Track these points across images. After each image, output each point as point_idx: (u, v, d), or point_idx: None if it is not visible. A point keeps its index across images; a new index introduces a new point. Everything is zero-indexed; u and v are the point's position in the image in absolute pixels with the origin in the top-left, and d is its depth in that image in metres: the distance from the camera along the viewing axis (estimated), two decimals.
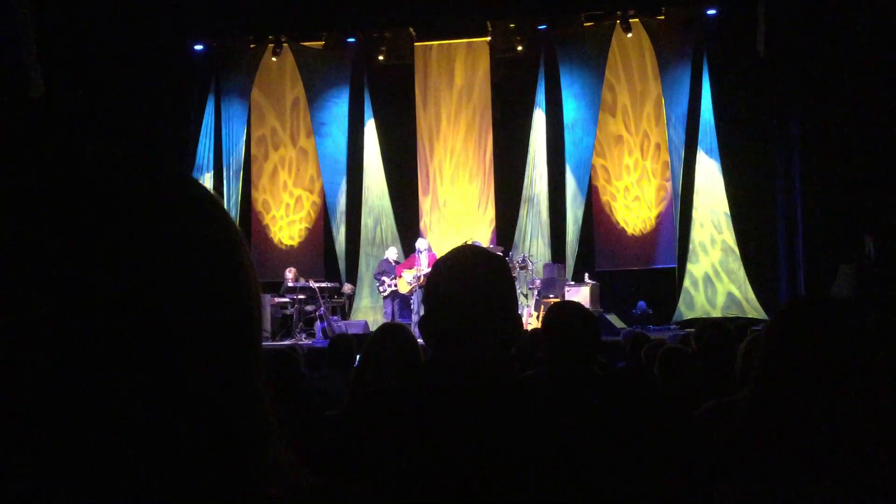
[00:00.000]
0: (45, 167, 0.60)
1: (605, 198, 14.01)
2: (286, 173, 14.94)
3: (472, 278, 1.51)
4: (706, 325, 4.14)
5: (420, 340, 2.57)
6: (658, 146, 13.79)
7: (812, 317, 1.43)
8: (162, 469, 0.58)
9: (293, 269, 12.78)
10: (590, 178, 13.75)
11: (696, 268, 13.10)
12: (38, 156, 0.60)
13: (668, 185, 13.55)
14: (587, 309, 3.02)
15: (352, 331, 11.05)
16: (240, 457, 0.62)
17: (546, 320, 2.86)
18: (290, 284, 12.42)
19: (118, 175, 0.61)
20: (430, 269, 11.52)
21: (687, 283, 13.03)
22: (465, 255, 1.58)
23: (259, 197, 14.96)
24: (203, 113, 14.33)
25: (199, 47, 14.21)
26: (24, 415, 0.55)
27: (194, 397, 0.60)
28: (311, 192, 14.93)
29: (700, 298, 12.86)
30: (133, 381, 0.57)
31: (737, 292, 12.72)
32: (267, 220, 14.94)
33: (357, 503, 0.66)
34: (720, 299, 12.80)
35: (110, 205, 0.59)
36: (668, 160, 13.44)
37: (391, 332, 3.13)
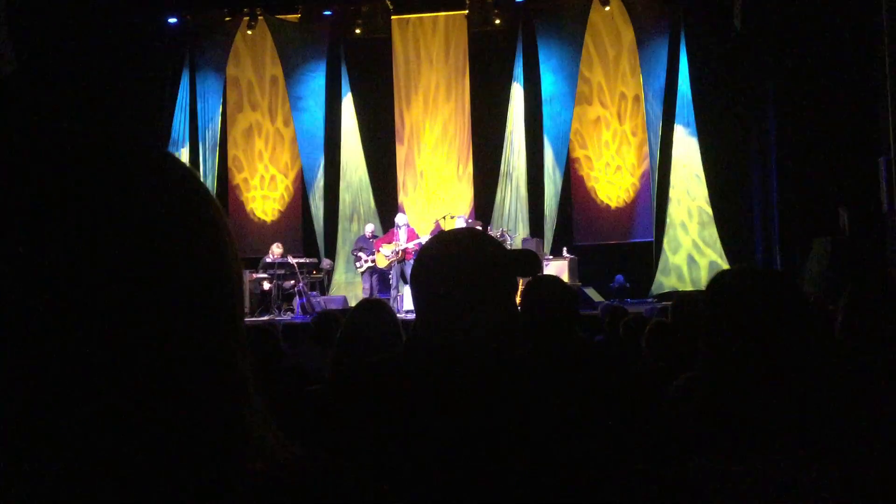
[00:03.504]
0: (21, 146, 0.59)
1: (589, 184, 14.02)
2: (262, 142, 14.79)
3: (459, 264, 1.49)
4: (682, 298, 4.16)
5: (400, 315, 2.58)
6: (636, 98, 13.75)
7: (736, 290, 1.44)
8: (142, 445, 0.58)
9: (280, 245, 12.71)
10: (573, 167, 13.82)
11: (678, 256, 13.09)
12: (12, 134, 0.60)
13: (647, 135, 13.58)
14: (565, 283, 3.04)
15: (330, 306, 11.05)
16: (221, 432, 0.63)
17: (525, 294, 2.87)
18: (269, 260, 12.37)
19: (93, 151, 0.61)
20: (410, 244, 11.55)
21: (673, 279, 12.99)
22: (456, 242, 1.56)
23: (231, 152, 14.74)
24: (178, 87, 14.16)
25: (172, 20, 14.01)
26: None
27: (175, 373, 0.60)
28: (286, 176, 14.84)
29: (686, 288, 12.73)
30: (113, 358, 0.57)
31: (719, 260, 12.79)
32: (238, 179, 14.72)
33: (343, 477, 0.67)
34: (703, 273, 12.80)
35: (86, 182, 0.58)
36: (646, 112, 13.47)
37: (372, 308, 3.13)
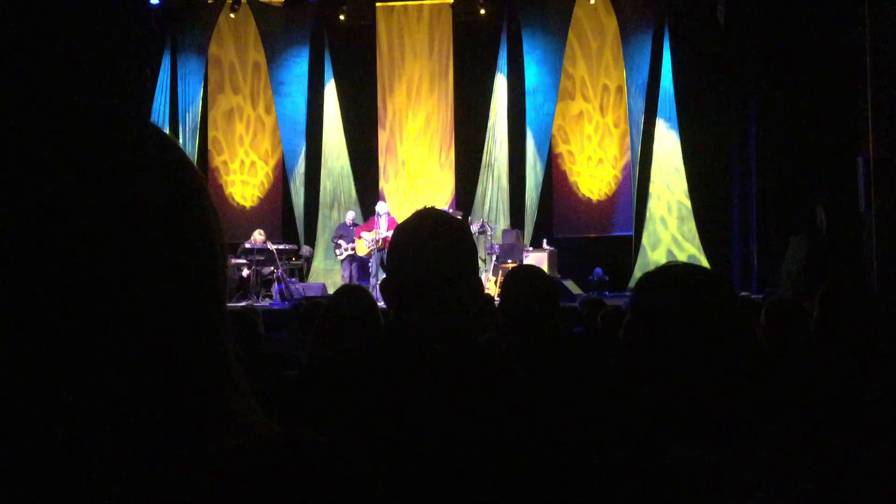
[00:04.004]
0: (7, 116, 0.59)
1: (572, 178, 14.07)
2: (242, 126, 14.70)
3: (434, 241, 1.52)
4: None
5: (380, 303, 2.57)
6: (619, 89, 13.81)
7: (660, 289, 1.44)
8: (121, 418, 0.58)
9: (262, 232, 12.60)
10: (555, 162, 13.87)
11: (658, 252, 13.10)
12: None
13: (629, 128, 13.63)
14: (546, 273, 3.04)
15: (309, 293, 11.02)
16: (202, 406, 0.62)
17: (505, 284, 2.88)
18: (249, 246, 12.29)
19: (72, 119, 0.60)
20: (390, 232, 11.51)
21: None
22: (427, 218, 1.59)
23: (211, 134, 14.63)
24: (159, 69, 14.03)
25: (154, 1, 13.86)
26: None
27: (156, 345, 0.59)
28: (266, 163, 14.78)
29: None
30: (94, 331, 0.56)
31: (697, 254, 12.86)
32: (217, 161, 14.60)
33: (324, 454, 0.67)
34: None
35: (65, 151, 0.58)
36: (628, 106, 13.52)
37: (351, 294, 3.13)
